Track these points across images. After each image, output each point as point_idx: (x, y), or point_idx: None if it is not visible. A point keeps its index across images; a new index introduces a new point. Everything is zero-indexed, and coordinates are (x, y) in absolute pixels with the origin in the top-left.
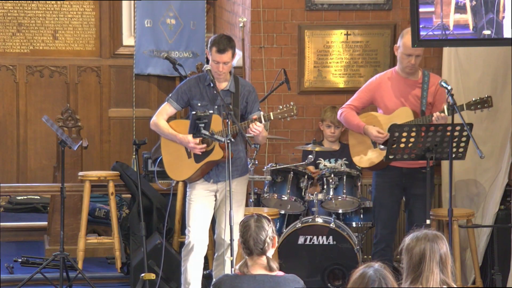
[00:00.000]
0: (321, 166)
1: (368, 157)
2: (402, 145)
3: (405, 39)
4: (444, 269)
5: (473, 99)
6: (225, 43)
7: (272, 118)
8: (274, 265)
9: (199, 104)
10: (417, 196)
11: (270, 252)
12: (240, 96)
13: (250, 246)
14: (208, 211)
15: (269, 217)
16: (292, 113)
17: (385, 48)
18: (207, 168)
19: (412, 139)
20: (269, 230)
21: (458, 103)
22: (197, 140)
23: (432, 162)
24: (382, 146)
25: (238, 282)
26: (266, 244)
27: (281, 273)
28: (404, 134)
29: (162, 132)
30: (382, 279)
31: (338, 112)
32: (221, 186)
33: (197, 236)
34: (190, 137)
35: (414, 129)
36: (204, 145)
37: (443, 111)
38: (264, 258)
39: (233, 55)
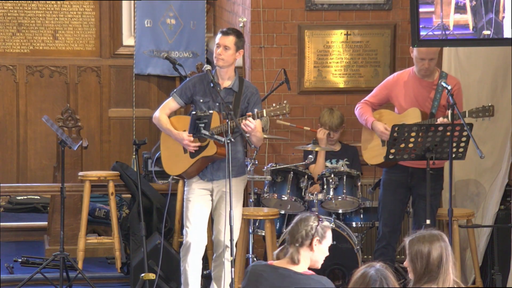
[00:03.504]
0: None
1: (376, 154)
2: (402, 145)
3: None
4: (453, 268)
5: (476, 107)
6: (230, 29)
7: (264, 115)
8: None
9: (201, 101)
10: (421, 196)
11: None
12: (242, 96)
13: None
14: (205, 211)
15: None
16: (285, 111)
17: (385, 48)
18: (203, 164)
19: (412, 139)
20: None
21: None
22: (191, 138)
23: (433, 162)
24: None
25: (261, 270)
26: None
27: (310, 272)
28: (404, 134)
29: (160, 126)
30: (384, 279)
31: (356, 106)
32: (216, 186)
33: (194, 236)
34: (185, 134)
35: (414, 129)
36: (198, 144)
37: (446, 117)
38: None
39: (237, 45)
